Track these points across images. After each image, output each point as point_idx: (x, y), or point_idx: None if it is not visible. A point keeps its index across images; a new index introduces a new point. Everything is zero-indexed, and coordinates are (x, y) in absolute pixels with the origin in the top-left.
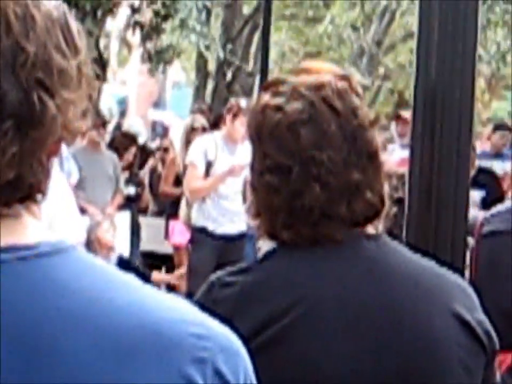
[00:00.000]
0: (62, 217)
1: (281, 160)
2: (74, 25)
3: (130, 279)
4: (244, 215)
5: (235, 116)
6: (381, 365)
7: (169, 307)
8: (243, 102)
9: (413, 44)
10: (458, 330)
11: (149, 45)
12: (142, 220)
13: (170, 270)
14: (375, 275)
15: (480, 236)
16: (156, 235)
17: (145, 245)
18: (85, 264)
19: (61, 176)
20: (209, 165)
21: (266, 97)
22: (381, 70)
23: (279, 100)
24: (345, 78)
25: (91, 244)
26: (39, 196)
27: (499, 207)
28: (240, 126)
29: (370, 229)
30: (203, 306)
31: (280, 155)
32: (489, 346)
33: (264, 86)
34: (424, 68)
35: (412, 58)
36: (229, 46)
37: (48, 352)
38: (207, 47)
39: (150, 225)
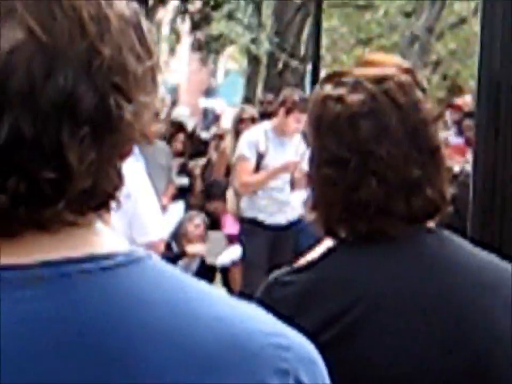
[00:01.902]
0: (146, 213)
1: (339, 153)
2: (146, 24)
3: (206, 287)
4: (292, 204)
5: (289, 111)
6: (448, 362)
7: (248, 317)
8: (297, 95)
9: (464, 30)
10: None
11: (199, 34)
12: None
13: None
14: (436, 270)
15: None
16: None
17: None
18: (161, 274)
19: (139, 166)
20: (260, 157)
21: (328, 88)
22: (433, 57)
23: (340, 91)
24: (409, 71)
25: (179, 238)
26: (113, 203)
27: None
28: (293, 122)
29: (431, 224)
30: (264, 307)
31: (338, 147)
32: None
33: (326, 77)
34: (487, 59)
35: (464, 45)
36: (277, 37)
37: (129, 366)
38: (253, 40)
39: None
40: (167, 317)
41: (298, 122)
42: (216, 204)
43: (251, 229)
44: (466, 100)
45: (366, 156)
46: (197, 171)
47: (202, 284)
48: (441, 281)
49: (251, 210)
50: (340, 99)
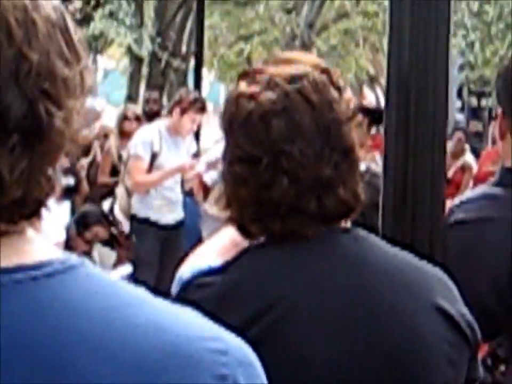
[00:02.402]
0: None
1: (251, 151)
2: (73, 27)
3: (141, 293)
4: (181, 204)
5: (184, 110)
6: (364, 363)
7: (185, 323)
8: (193, 95)
9: (344, 25)
10: (442, 324)
11: (79, 33)
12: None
13: None
14: (352, 270)
15: (447, 226)
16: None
17: None
18: (95, 281)
19: None
20: (153, 157)
21: (242, 86)
22: (313, 52)
23: (253, 89)
24: (325, 70)
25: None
26: (43, 211)
27: (469, 194)
28: (188, 122)
29: (345, 224)
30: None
31: (250, 145)
32: (473, 338)
33: (241, 74)
34: (396, 55)
35: (344, 40)
36: (159, 36)
37: (67, 376)
38: (136, 40)
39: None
40: (102, 326)
41: (193, 122)
42: (95, 230)
43: (142, 228)
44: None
45: (278, 155)
46: (83, 171)
47: (138, 290)
48: (357, 280)
49: (143, 209)
50: (252, 97)
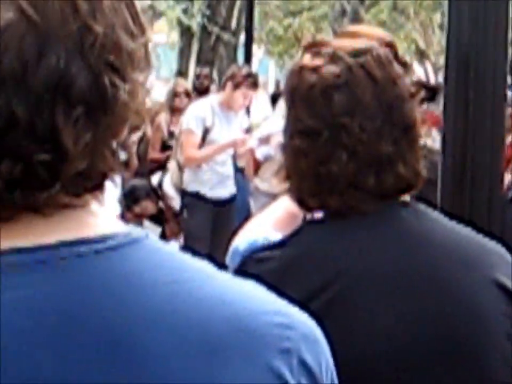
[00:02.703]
0: None
1: (311, 124)
2: (140, 3)
3: (205, 266)
4: (233, 179)
5: (237, 85)
6: (423, 337)
7: (250, 297)
8: (245, 71)
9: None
10: (502, 299)
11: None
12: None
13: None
14: (414, 245)
15: (506, 201)
16: None
17: None
18: (159, 254)
19: None
20: (206, 132)
21: (306, 58)
22: None
23: (317, 62)
24: (390, 44)
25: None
26: (107, 184)
27: None
28: (240, 97)
29: (405, 197)
30: None
31: (310, 119)
32: None
33: (306, 46)
34: (455, 31)
35: (393, 15)
36: (209, 10)
37: (131, 351)
38: (185, 11)
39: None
40: (167, 299)
41: (245, 97)
42: (143, 204)
43: (193, 202)
44: None
45: (338, 129)
46: (134, 146)
47: (202, 263)
48: (416, 254)
49: (194, 183)
50: (315, 70)
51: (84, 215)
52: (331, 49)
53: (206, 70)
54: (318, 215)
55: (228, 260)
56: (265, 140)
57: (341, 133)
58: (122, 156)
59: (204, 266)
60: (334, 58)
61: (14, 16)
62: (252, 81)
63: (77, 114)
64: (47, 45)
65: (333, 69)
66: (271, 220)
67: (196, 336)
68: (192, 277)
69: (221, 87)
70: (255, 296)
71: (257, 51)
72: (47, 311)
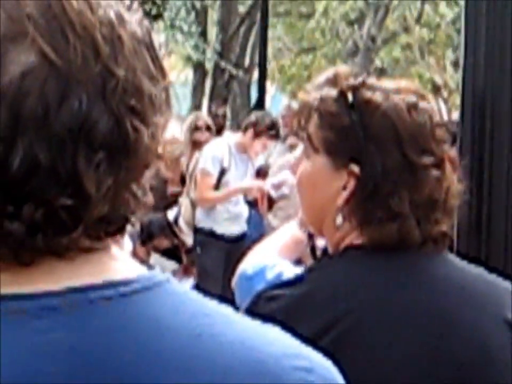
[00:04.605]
0: None
1: None
2: (157, 42)
3: (227, 310)
4: (244, 217)
5: (258, 134)
6: (432, 378)
7: (271, 341)
8: (269, 120)
9: (406, 38)
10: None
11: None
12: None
13: None
14: (421, 284)
15: None
16: None
17: None
18: (182, 298)
19: None
20: (222, 172)
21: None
22: (377, 65)
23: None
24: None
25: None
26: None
27: None
28: (259, 146)
29: None
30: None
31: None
32: None
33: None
34: (471, 70)
35: (407, 53)
36: (222, 48)
37: None
38: (196, 46)
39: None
40: (190, 344)
41: (264, 147)
42: (158, 240)
43: (207, 240)
44: None
45: None
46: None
47: (223, 307)
48: (427, 294)
49: (207, 221)
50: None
51: (105, 258)
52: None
53: (222, 109)
54: (321, 242)
55: (234, 283)
56: (279, 186)
57: None
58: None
59: (224, 311)
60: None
61: (35, 59)
62: (274, 133)
63: (99, 158)
64: (68, 88)
65: None
66: (277, 245)
67: (219, 381)
68: (213, 322)
69: (242, 130)
70: (275, 339)
71: (270, 88)
72: (66, 358)
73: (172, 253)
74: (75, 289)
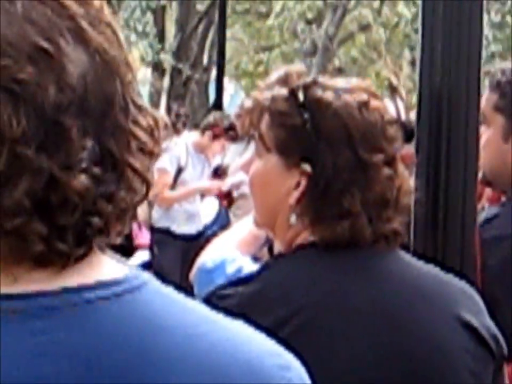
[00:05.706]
0: None
1: None
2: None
3: (205, 310)
4: (201, 215)
5: (217, 136)
6: (383, 374)
7: (252, 339)
8: (227, 122)
9: (364, 37)
10: (464, 335)
11: None
12: None
13: None
14: (373, 280)
15: (482, 242)
16: None
17: None
18: (167, 298)
19: None
20: (179, 171)
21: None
22: (335, 64)
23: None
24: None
25: None
26: None
27: (486, 214)
28: (217, 147)
29: None
30: None
31: None
32: (497, 351)
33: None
34: (428, 69)
35: (365, 51)
36: (181, 47)
37: None
38: (151, 46)
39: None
40: (185, 343)
41: (222, 149)
42: None
43: (163, 239)
44: None
45: None
46: None
47: (202, 306)
48: (378, 292)
49: (164, 220)
50: None
51: (93, 259)
52: None
53: (182, 110)
54: None
55: (192, 276)
56: (237, 186)
57: None
58: None
59: (204, 310)
60: None
61: (87, 58)
62: (232, 135)
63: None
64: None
65: None
66: (235, 240)
67: (211, 380)
68: (199, 321)
69: (201, 131)
70: (253, 338)
71: (228, 85)
72: (66, 359)
73: (125, 250)
74: (69, 289)
